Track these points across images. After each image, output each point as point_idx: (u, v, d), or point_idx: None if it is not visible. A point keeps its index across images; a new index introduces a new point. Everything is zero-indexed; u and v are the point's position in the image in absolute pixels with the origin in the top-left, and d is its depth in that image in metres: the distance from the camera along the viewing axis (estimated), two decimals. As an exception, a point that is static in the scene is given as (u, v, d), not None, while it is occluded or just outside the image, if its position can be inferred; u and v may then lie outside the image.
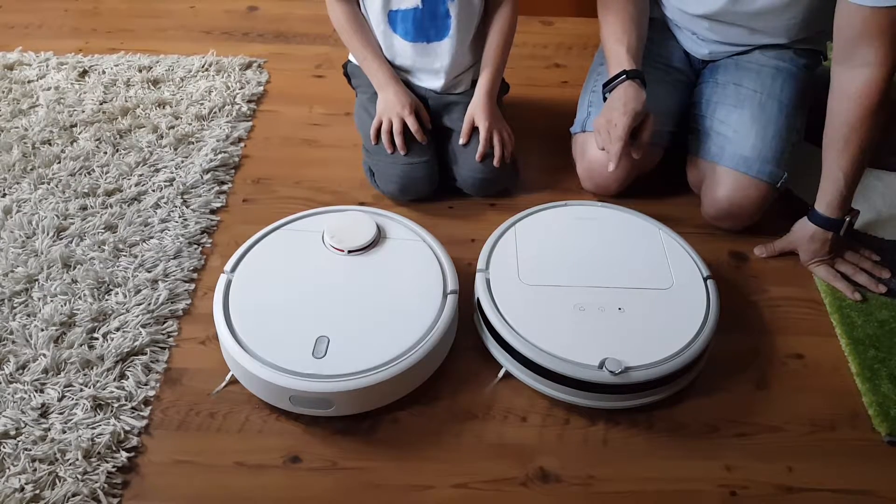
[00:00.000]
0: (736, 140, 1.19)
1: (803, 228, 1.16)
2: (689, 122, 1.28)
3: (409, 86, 1.30)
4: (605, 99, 1.20)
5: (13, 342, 1.03)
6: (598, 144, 1.21)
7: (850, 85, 1.03)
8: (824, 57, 1.30)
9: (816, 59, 1.29)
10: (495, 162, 1.25)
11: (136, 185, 1.30)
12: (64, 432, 0.92)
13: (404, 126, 1.24)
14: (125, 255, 1.17)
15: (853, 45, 1.02)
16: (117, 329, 1.05)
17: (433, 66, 1.27)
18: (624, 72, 1.17)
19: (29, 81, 1.56)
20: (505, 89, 1.38)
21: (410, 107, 1.24)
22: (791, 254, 1.20)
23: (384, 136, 1.24)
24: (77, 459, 0.89)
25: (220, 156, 1.37)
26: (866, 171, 1.34)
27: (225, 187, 1.32)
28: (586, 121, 1.29)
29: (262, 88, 1.58)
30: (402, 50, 1.26)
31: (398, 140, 1.23)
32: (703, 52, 1.29)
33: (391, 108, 1.24)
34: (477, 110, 1.25)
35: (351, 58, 1.36)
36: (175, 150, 1.39)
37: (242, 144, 1.43)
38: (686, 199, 1.29)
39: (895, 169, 1.36)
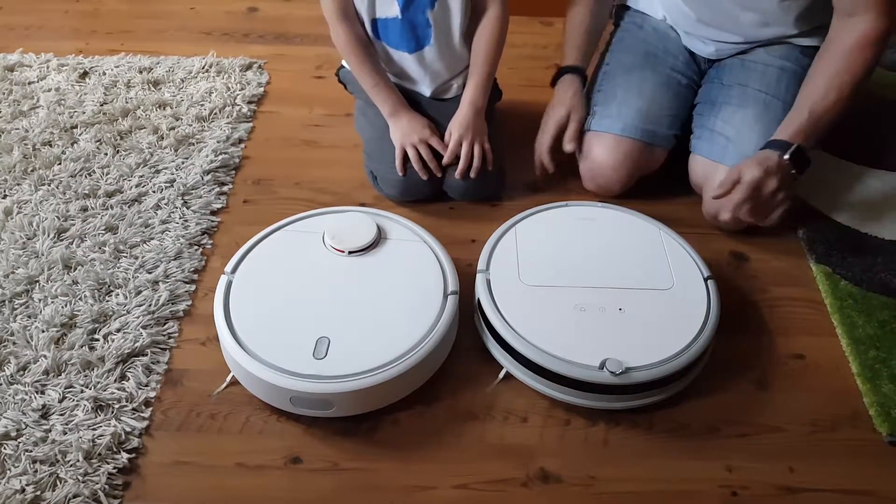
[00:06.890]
0: (739, 140, 1.18)
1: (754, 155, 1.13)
2: (692, 122, 1.28)
3: (401, 90, 1.29)
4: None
5: (14, 343, 1.03)
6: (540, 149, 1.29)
7: (848, 38, 1.06)
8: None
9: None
10: (472, 173, 1.24)
11: (137, 186, 1.30)
12: (65, 433, 0.92)
13: (430, 147, 1.23)
14: (126, 257, 1.17)
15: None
16: (118, 330, 1.05)
17: (419, 74, 1.27)
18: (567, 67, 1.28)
19: (29, 83, 1.57)
20: (497, 96, 1.36)
21: (431, 129, 1.24)
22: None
23: (416, 166, 1.23)
24: (78, 461, 0.89)
25: (220, 157, 1.37)
26: (866, 171, 1.35)
27: (225, 188, 1.33)
28: (589, 121, 1.29)
29: (262, 89, 1.58)
30: (389, 57, 1.26)
31: (431, 166, 1.23)
32: (708, 51, 1.30)
33: (407, 135, 1.22)
34: (454, 122, 1.24)
35: (344, 63, 1.34)
36: (175, 151, 1.39)
37: (243, 145, 1.43)
38: (686, 199, 1.29)
39: (895, 169, 1.36)
